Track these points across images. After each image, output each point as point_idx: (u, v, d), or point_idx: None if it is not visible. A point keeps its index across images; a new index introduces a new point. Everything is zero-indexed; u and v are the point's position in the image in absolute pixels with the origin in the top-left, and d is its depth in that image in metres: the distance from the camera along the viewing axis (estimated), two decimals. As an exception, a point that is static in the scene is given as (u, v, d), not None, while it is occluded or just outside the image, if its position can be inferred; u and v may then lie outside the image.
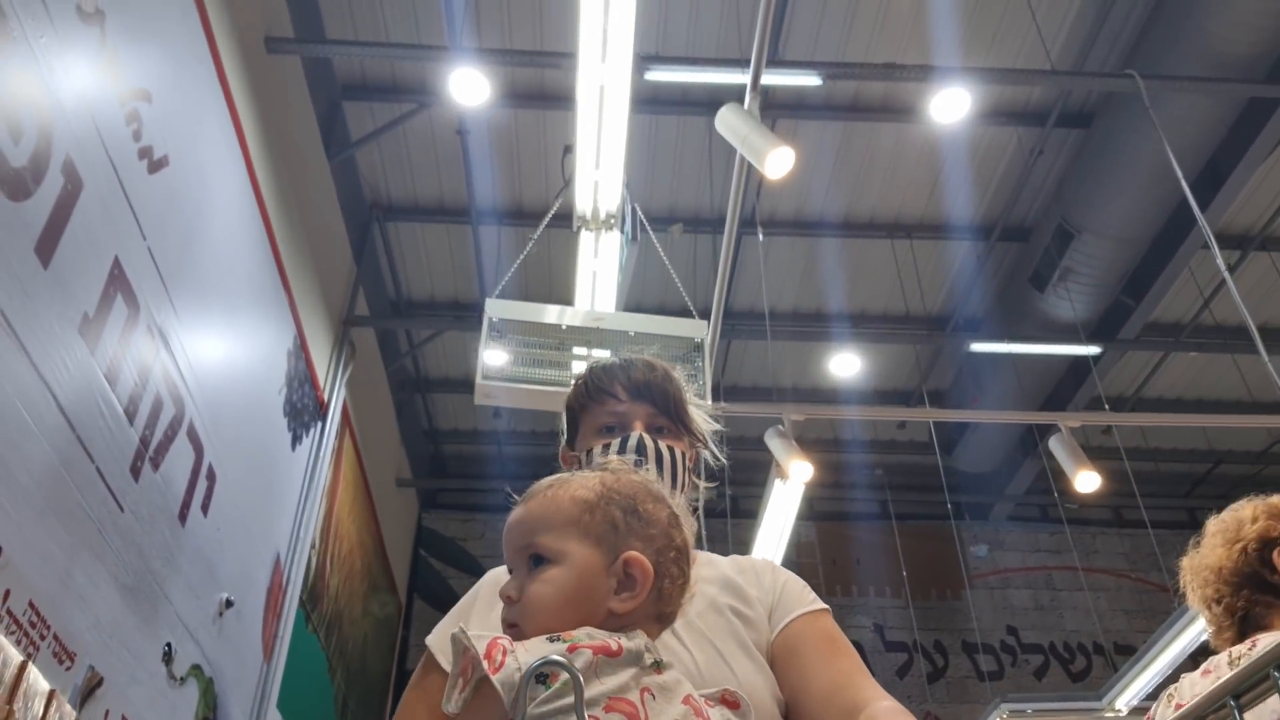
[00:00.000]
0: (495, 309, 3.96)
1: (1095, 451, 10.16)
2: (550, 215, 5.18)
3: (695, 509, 1.31)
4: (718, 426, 1.56)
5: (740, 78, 4.59)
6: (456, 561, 9.52)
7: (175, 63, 3.93)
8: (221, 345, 4.42)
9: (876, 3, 6.03)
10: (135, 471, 3.54)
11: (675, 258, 6.47)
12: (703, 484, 1.53)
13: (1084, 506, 10.27)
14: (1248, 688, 1.30)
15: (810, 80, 5.33)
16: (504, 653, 0.94)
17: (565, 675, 0.89)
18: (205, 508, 4.22)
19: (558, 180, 6.83)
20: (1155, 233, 6.58)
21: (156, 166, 3.69)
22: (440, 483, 10.06)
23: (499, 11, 6.13)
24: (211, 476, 4.27)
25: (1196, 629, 5.54)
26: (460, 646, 0.95)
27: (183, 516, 3.98)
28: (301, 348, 5.72)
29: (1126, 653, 9.11)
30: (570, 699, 0.89)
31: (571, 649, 0.94)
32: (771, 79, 5.18)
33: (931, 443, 9.60)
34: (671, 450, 1.41)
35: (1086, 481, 5.41)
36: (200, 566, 4.17)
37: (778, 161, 3.63)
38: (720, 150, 6.55)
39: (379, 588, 8.10)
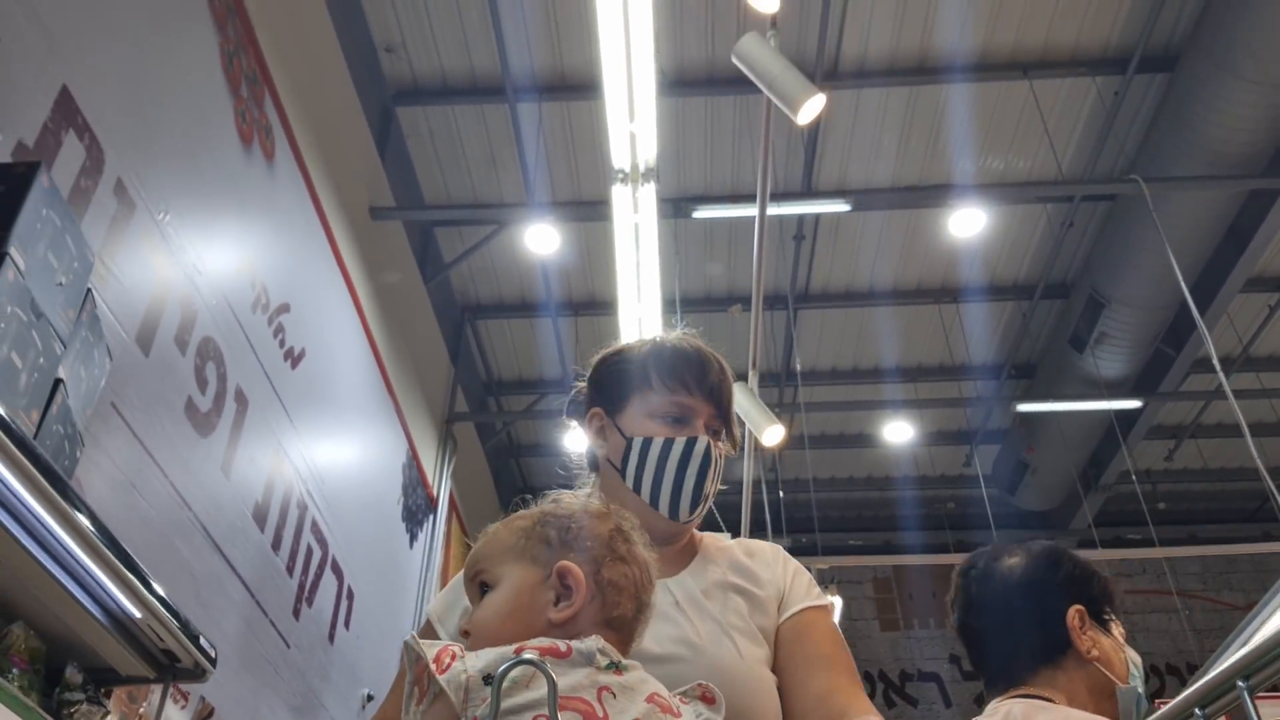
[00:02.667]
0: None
1: (1160, 476, 10.61)
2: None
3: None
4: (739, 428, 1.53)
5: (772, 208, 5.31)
6: (557, 611, 10.37)
7: (300, 248, 4.82)
8: (351, 483, 5.32)
9: (901, 127, 6.69)
10: (296, 612, 4.43)
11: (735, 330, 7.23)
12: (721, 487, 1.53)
13: (1157, 527, 10.65)
14: (1214, 698, 1.32)
15: (840, 207, 5.99)
16: (452, 656, 0.96)
17: (514, 675, 0.91)
18: (348, 623, 5.11)
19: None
20: (1180, 300, 7.05)
21: (297, 360, 4.58)
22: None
23: (566, 163, 6.97)
24: (351, 596, 5.17)
25: (1249, 646, 5.83)
26: (413, 655, 0.98)
27: (331, 636, 4.88)
28: (413, 457, 6.61)
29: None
30: (521, 698, 0.90)
31: (518, 650, 0.95)
32: (805, 208, 5.86)
33: (994, 479, 10.14)
34: (720, 460, 1.40)
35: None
36: (346, 673, 5.06)
37: (810, 108, 3.33)
38: (773, 238, 7.25)
39: (489, 644, 9.00)
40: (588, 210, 7.24)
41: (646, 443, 1.35)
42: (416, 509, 6.66)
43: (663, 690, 1.01)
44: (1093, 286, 7.22)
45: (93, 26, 3.09)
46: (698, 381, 1.39)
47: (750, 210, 6.16)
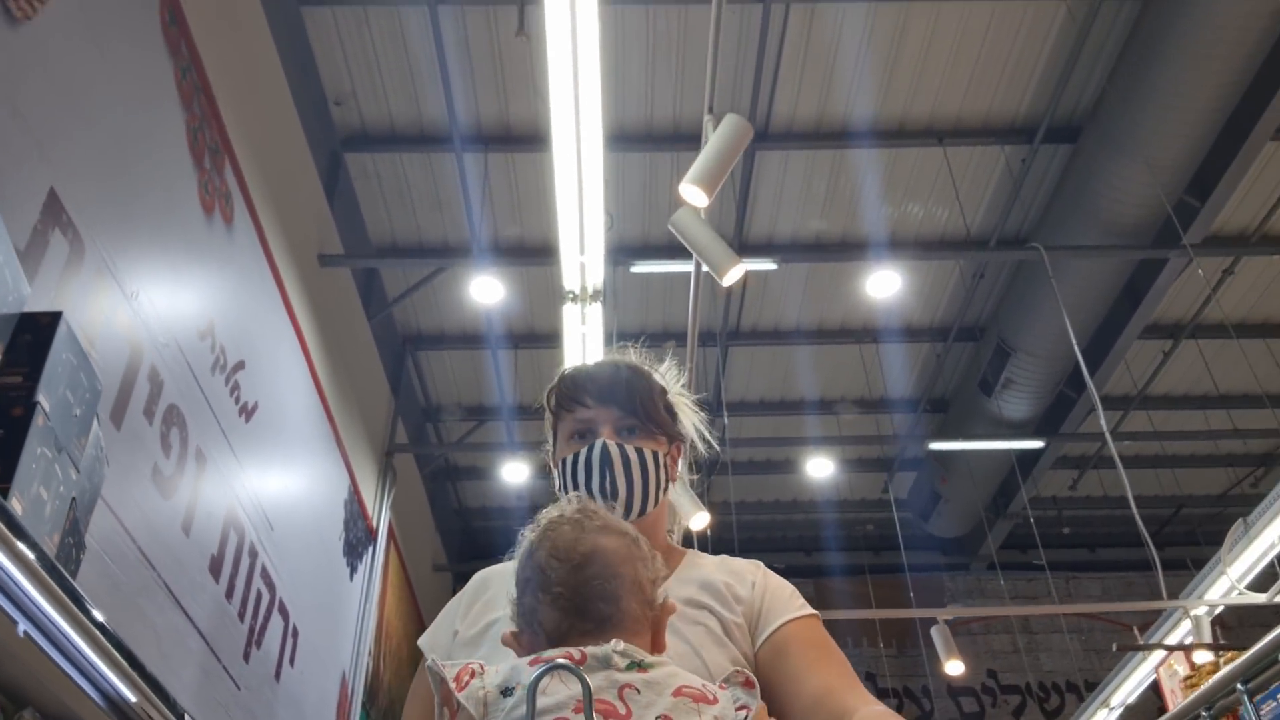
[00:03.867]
0: None
1: (1066, 502, 11.26)
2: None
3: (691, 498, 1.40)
4: (700, 415, 1.56)
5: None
6: (489, 631, 10.62)
7: (255, 305, 5.05)
8: (297, 525, 5.55)
9: (826, 186, 7.14)
10: (246, 655, 4.66)
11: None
12: (690, 475, 1.53)
13: (1061, 550, 11.31)
14: (1216, 699, 1.38)
15: (767, 265, 6.40)
16: (471, 674, 1.01)
17: (527, 684, 0.95)
18: (293, 660, 5.35)
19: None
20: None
21: (251, 414, 4.81)
22: (473, 565, 11.16)
23: (510, 208, 7.27)
24: (295, 634, 5.40)
25: (1149, 665, 6.21)
26: (437, 677, 1.02)
27: (278, 675, 5.11)
28: (354, 491, 6.84)
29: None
30: (540, 703, 0.94)
31: (533, 662, 0.99)
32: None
33: (909, 504, 10.68)
34: (640, 451, 1.39)
35: (954, 668, 6.48)
36: (292, 708, 5.30)
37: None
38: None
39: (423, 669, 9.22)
40: (530, 256, 7.55)
41: (563, 463, 1.43)
42: (357, 542, 6.88)
43: (694, 681, 1.02)
44: (1000, 336, 7.75)
45: (75, 123, 3.32)
46: (590, 393, 1.44)
47: (685, 266, 6.55)
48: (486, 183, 7.06)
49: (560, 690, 0.96)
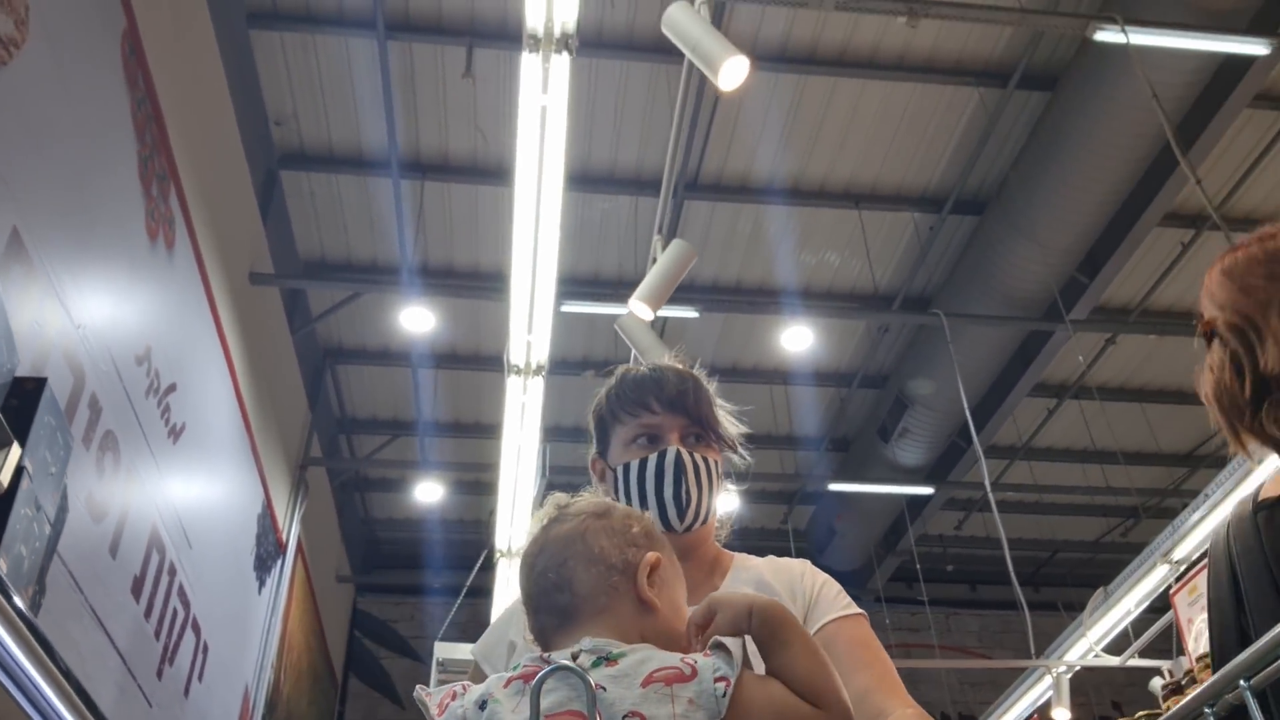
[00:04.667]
0: (443, 650, 4.73)
1: (951, 540, 11.85)
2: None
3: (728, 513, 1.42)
4: (743, 429, 1.57)
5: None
6: (388, 643, 10.69)
7: (189, 328, 5.12)
8: (213, 541, 5.61)
9: (747, 239, 7.50)
10: (159, 673, 4.74)
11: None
12: (733, 488, 1.55)
13: (944, 585, 11.90)
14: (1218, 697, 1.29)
15: (689, 313, 6.71)
16: (453, 696, 1.02)
17: (499, 695, 0.97)
18: (201, 676, 5.41)
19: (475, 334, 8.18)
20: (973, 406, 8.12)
21: (179, 435, 4.89)
22: (375, 576, 11.18)
23: (442, 236, 7.43)
24: (205, 650, 5.47)
25: (1029, 699, 6.47)
26: (423, 705, 1.04)
27: (187, 691, 5.18)
28: (267, 505, 6.90)
29: (970, 723, 10.72)
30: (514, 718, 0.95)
31: (508, 681, 1.00)
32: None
33: (807, 535, 11.13)
34: (706, 460, 1.42)
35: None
36: (197, 724, 5.36)
37: (732, 71, 3.09)
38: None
39: (320, 677, 9.26)
40: (458, 280, 7.72)
41: (626, 468, 1.42)
42: (267, 555, 6.94)
43: (670, 659, 0.98)
44: (900, 388, 8.21)
45: (38, 159, 3.41)
46: (659, 399, 1.44)
47: (614, 309, 6.81)
48: (421, 209, 7.21)
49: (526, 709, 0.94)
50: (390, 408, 9.48)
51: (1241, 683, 1.22)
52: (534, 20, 2.38)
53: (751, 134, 6.89)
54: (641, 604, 1.08)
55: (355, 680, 10.41)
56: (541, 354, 4.13)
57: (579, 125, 6.70)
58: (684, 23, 2.64)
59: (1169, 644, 3.91)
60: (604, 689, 0.94)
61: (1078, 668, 4.95)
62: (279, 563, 7.27)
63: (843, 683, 1.13)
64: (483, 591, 6.37)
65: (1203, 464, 10.14)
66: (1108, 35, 4.78)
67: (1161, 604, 4.06)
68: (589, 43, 6.02)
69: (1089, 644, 4.66)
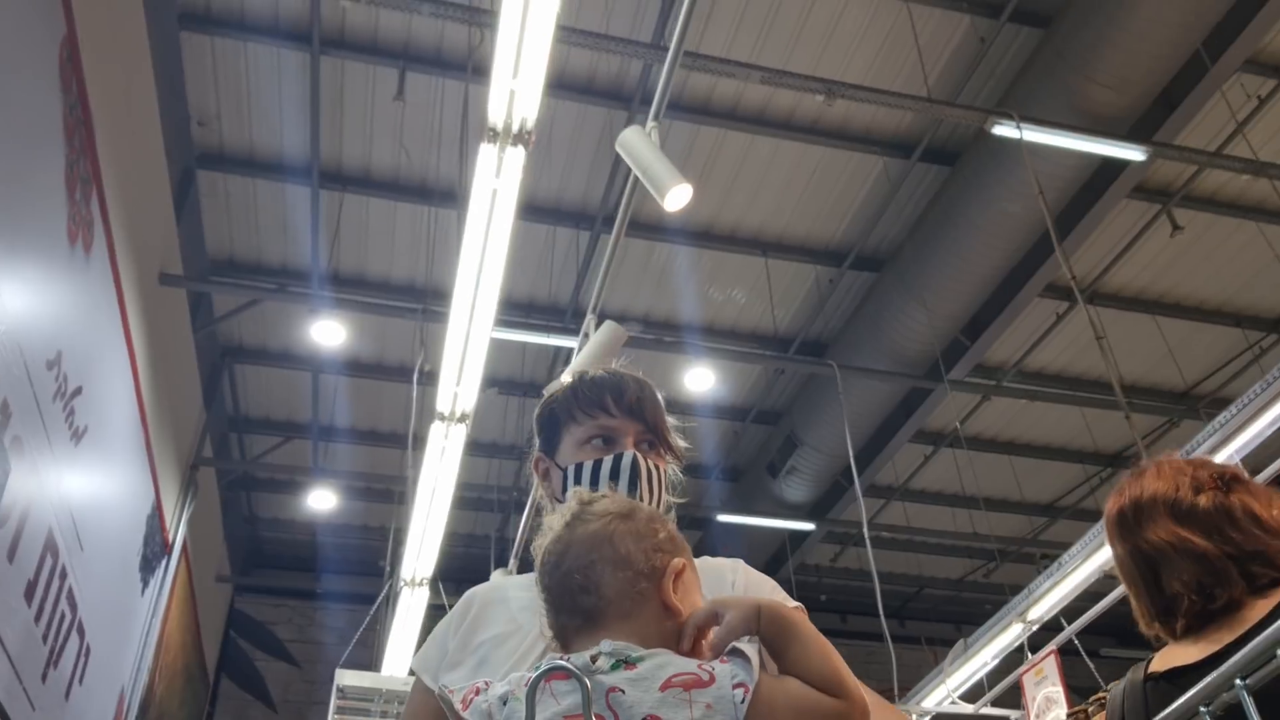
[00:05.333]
0: (345, 678, 4.70)
1: (827, 570, 12.33)
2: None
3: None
4: (686, 444, 1.57)
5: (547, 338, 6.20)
6: (265, 645, 10.54)
7: (98, 331, 5.09)
8: (103, 543, 5.55)
9: (658, 276, 7.76)
10: (44, 676, 4.69)
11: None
12: (674, 499, 1.52)
13: (817, 614, 12.35)
14: (1213, 698, 1.31)
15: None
16: (476, 692, 1.03)
17: (520, 696, 0.97)
18: (82, 679, 5.35)
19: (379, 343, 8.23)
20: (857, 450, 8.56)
21: (80, 437, 4.86)
22: (256, 577, 11.01)
23: (356, 249, 7.48)
24: (88, 652, 5.41)
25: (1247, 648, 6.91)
26: (447, 703, 1.05)
27: (68, 694, 5.12)
28: (157, 506, 6.81)
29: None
30: (539, 715, 0.95)
31: (527, 682, 0.99)
32: (568, 341, 6.71)
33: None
34: (657, 468, 1.41)
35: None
36: (73, 728, 5.30)
37: (677, 196, 3.31)
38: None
39: (193, 678, 9.10)
40: (365, 291, 7.76)
41: (579, 467, 1.41)
42: (153, 556, 6.85)
43: (688, 665, 0.99)
44: (792, 428, 8.59)
45: (-30, 167, 3.42)
46: (616, 402, 1.44)
47: (529, 337, 6.98)
48: (339, 220, 7.24)
49: (550, 705, 0.95)
50: (286, 409, 9.41)
51: (1237, 681, 1.22)
52: (495, 116, 2.57)
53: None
54: (666, 609, 1.08)
55: (228, 681, 10.25)
56: (469, 403, 4.27)
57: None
58: (637, 146, 2.85)
59: (1016, 698, 4.31)
60: (622, 691, 0.95)
61: (933, 713, 5.33)
62: (164, 563, 7.17)
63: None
64: (379, 613, 6.42)
65: (1062, 515, 10.85)
66: (1004, 130, 5.20)
67: (1016, 659, 4.47)
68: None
69: (947, 690, 5.04)
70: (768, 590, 1.41)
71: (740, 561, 1.45)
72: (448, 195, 7.02)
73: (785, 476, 8.82)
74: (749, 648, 1.02)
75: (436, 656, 1.34)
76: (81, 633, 5.25)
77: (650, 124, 2.91)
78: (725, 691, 0.96)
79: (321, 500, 8.97)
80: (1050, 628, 4.81)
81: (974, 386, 8.26)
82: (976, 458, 9.73)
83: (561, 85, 6.32)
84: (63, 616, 4.87)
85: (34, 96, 3.89)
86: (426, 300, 7.69)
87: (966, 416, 8.92)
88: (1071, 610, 4.79)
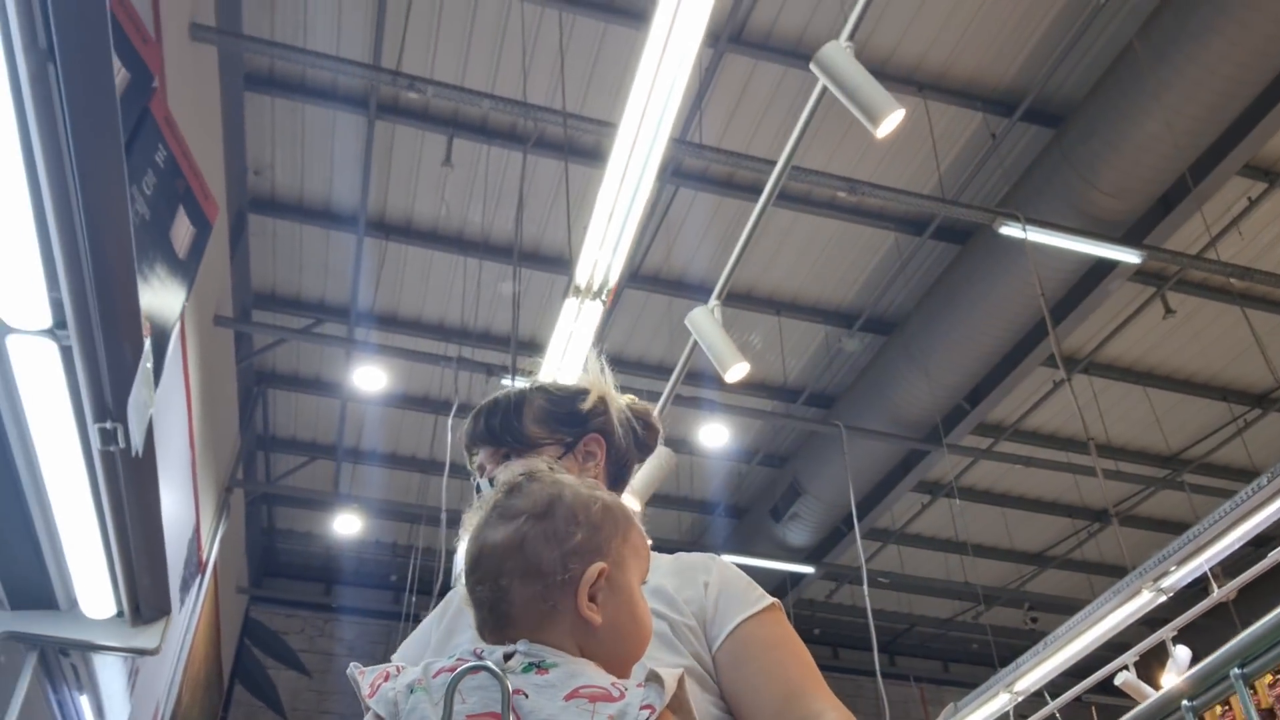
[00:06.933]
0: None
1: (821, 606, 12.72)
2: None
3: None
4: (621, 398, 1.51)
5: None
6: (278, 654, 10.92)
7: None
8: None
9: (677, 325, 8.17)
10: (102, 698, 5.08)
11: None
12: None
13: (810, 647, 12.73)
14: (1207, 687, 1.29)
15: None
16: (386, 677, 1.00)
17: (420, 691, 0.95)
18: (130, 695, 5.75)
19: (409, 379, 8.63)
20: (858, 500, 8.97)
21: (144, 477, 5.26)
22: (270, 587, 11.39)
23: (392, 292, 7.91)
24: (136, 673, 5.81)
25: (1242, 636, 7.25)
26: (356, 685, 1.02)
27: (117, 712, 5.52)
28: (196, 531, 7.21)
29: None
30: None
31: (438, 672, 0.97)
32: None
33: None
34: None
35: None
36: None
37: (737, 371, 3.74)
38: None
39: (211, 685, 9.50)
40: (402, 329, 8.18)
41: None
42: (189, 578, 7.24)
43: (601, 680, 0.96)
44: (795, 476, 9.00)
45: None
46: (471, 437, 1.45)
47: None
48: (383, 263, 7.66)
49: (454, 703, 0.93)
50: (311, 430, 9.82)
51: (1235, 671, 1.22)
52: (582, 277, 2.98)
53: (692, 240, 7.58)
54: (582, 622, 1.02)
55: (240, 688, 10.63)
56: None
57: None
58: (703, 325, 3.20)
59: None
60: (525, 695, 0.93)
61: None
62: (198, 581, 7.57)
63: (762, 687, 1.17)
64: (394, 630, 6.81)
65: (1049, 564, 11.27)
66: (1010, 230, 5.62)
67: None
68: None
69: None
70: (742, 588, 1.31)
71: (715, 560, 1.36)
72: (483, 246, 7.46)
73: (788, 521, 9.23)
74: (669, 674, 0.97)
75: (416, 653, 1.33)
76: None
77: (713, 303, 3.32)
78: (632, 712, 0.92)
79: (347, 525, 9.39)
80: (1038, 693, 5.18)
81: (970, 451, 8.68)
82: (970, 507, 10.15)
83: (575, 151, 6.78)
84: (121, 641, 5.27)
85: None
86: (455, 339, 8.16)
87: (962, 472, 9.34)
88: (1058, 685, 5.17)
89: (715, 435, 7.99)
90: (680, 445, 9.68)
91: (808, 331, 8.36)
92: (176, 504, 6.25)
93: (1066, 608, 11.55)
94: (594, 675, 0.97)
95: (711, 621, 1.25)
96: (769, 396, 8.94)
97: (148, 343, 1.82)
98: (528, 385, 1.51)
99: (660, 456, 3.74)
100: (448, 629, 1.34)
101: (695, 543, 10.81)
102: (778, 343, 8.34)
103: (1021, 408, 8.89)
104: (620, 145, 3.19)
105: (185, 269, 2.60)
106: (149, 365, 1.85)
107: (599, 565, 1.05)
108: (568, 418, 1.46)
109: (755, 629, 1.24)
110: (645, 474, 3.77)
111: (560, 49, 5.93)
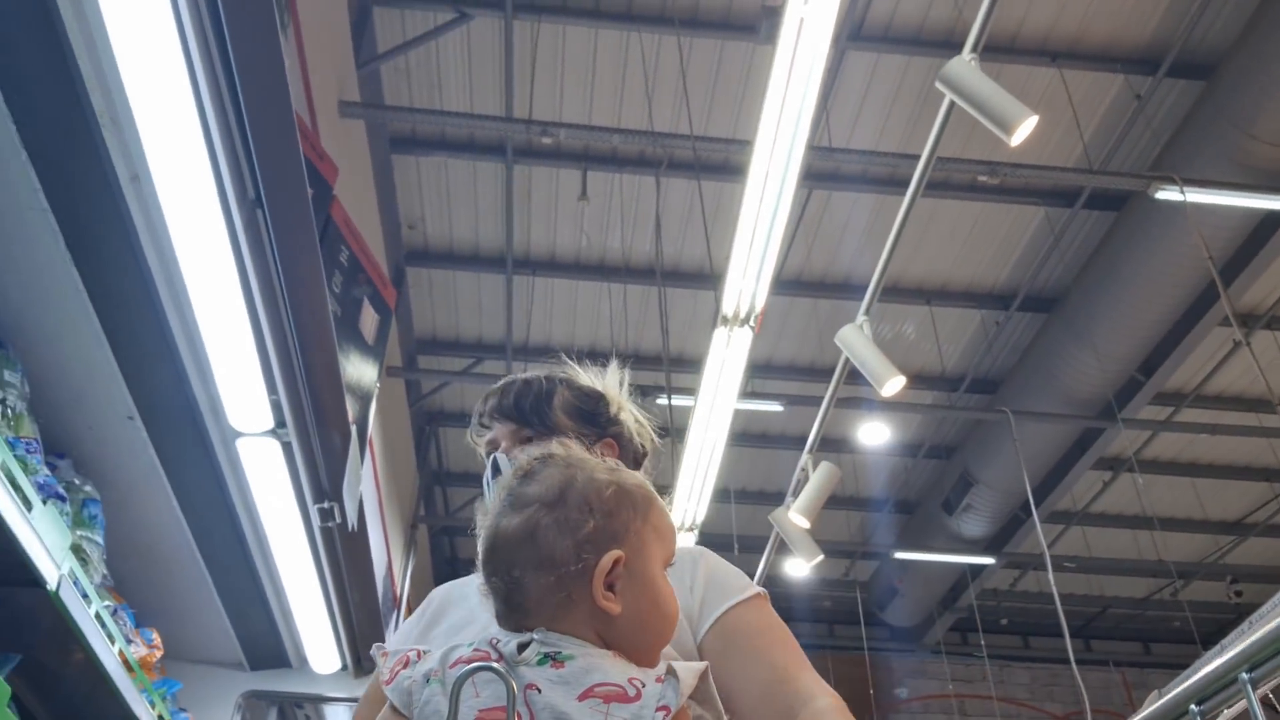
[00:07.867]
0: None
1: (1006, 595, 12.35)
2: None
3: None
4: (640, 411, 1.52)
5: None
6: (473, 678, 11.37)
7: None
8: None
9: (824, 325, 8.14)
10: (324, 734, 5.48)
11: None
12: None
13: (998, 637, 12.39)
14: (1212, 693, 1.29)
15: (774, 408, 7.38)
16: (405, 663, 0.99)
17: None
18: (346, 731, 6.15)
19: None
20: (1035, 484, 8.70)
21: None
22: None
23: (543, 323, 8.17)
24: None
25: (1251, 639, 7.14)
26: (376, 665, 1.03)
27: (338, 746, 5.92)
28: (389, 569, 7.64)
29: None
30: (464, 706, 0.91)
31: (454, 664, 0.96)
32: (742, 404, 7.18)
33: (870, 587, 11.70)
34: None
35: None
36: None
37: (892, 385, 3.84)
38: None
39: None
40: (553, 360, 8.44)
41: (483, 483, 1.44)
42: (385, 613, 7.68)
43: (618, 676, 0.93)
44: (966, 466, 8.80)
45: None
46: (489, 414, 1.46)
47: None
48: (532, 298, 7.96)
49: (468, 697, 0.92)
50: (479, 462, 10.22)
51: (1243, 675, 1.17)
52: (729, 305, 3.10)
53: (831, 240, 7.55)
54: (599, 612, 1.00)
55: None
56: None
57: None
58: (854, 342, 3.28)
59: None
60: (539, 690, 0.91)
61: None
62: (394, 616, 8.01)
63: (750, 674, 1.16)
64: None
65: (1251, 532, 10.59)
66: (1168, 194, 5.38)
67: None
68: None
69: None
70: (732, 580, 1.29)
71: (702, 552, 1.35)
72: (624, 270, 7.65)
73: (961, 513, 9.02)
74: (688, 670, 0.95)
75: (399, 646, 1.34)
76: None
77: (861, 318, 3.36)
78: (647, 713, 0.90)
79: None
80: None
81: (1149, 424, 8.30)
82: (1155, 480, 9.67)
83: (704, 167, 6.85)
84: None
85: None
86: (606, 364, 8.31)
87: (1143, 445, 8.92)
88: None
89: (876, 433, 7.91)
90: (841, 445, 9.62)
91: (963, 317, 8.18)
92: (372, 546, 6.65)
93: (1275, 577, 10.83)
94: (611, 670, 0.94)
95: (699, 610, 1.24)
96: (927, 388, 8.77)
97: (354, 430, 2.02)
98: (554, 375, 1.53)
99: (825, 471, 3.78)
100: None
101: (865, 542, 10.69)
102: (931, 332, 8.19)
103: (1201, 373, 8.42)
104: (756, 164, 3.27)
105: (375, 353, 2.84)
106: (356, 450, 2.05)
107: (614, 554, 1.02)
108: (591, 417, 1.47)
109: (741, 615, 1.23)
110: (811, 491, 3.83)
111: (681, 70, 6.04)
